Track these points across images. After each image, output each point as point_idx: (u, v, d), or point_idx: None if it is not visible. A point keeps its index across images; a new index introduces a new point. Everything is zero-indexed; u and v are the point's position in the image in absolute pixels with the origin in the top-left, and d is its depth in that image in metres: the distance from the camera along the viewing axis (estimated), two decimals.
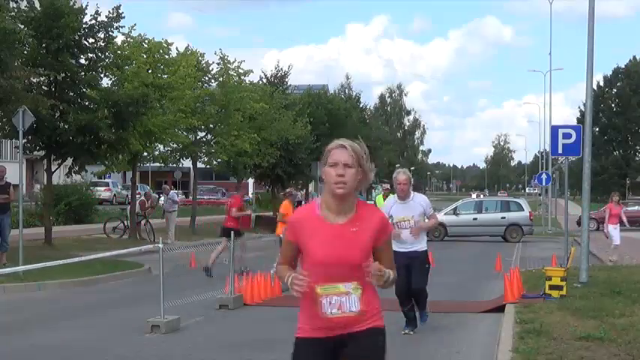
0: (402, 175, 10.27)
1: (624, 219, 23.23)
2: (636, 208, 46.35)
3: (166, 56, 31.22)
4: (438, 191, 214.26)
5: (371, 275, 3.98)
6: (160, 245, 11.09)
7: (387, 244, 4.19)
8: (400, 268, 9.29)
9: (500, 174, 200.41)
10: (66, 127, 22.91)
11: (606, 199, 66.92)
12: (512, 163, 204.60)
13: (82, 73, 23.38)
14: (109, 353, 9.36)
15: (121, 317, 12.01)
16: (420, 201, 10.37)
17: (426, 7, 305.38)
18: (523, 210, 33.97)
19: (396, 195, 10.46)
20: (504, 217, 33.37)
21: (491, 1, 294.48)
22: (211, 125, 35.88)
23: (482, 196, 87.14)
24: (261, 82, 45.29)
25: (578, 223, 31.07)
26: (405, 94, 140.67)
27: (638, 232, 40.07)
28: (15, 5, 22.74)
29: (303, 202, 63.31)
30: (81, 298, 14.60)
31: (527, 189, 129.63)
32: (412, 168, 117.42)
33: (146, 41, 30.53)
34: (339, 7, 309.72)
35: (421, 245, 10.31)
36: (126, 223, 29.35)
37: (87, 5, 23.94)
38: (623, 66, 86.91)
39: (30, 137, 22.39)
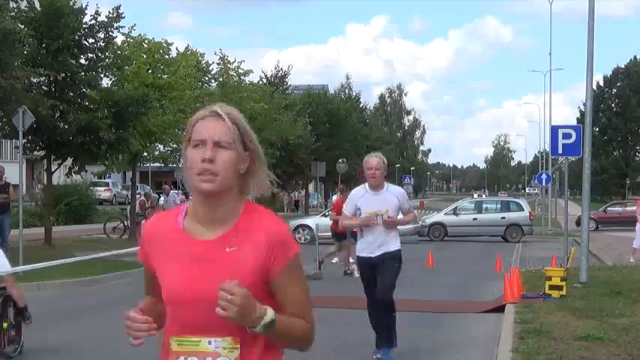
0: (373, 158, 8.46)
1: None
2: (634, 208, 46.27)
3: (166, 56, 31.23)
4: (438, 191, 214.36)
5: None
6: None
7: (289, 274, 2.50)
8: (369, 277, 8.56)
9: (500, 174, 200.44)
10: (66, 127, 22.91)
11: (606, 199, 67.00)
12: (512, 163, 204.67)
13: (82, 73, 23.38)
14: (109, 353, 9.36)
15: (121, 317, 11.96)
16: (395, 193, 8.59)
17: (425, 7, 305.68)
18: (523, 210, 33.96)
19: (366, 184, 8.58)
20: (504, 217, 33.37)
21: (491, 1, 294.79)
22: None
23: (483, 196, 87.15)
24: (261, 82, 45.32)
25: (577, 223, 31.10)
26: (405, 94, 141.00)
27: None
28: (15, 5, 22.74)
29: (299, 203, 63.40)
30: (81, 298, 14.60)
31: (527, 189, 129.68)
32: (412, 168, 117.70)
33: (146, 41, 30.54)
34: (338, 7, 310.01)
35: (394, 245, 8.50)
36: (126, 223, 29.36)
37: (87, 5, 23.94)
38: (623, 66, 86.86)
39: (30, 137, 22.40)
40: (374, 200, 8.40)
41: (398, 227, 8.68)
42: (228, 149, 2.53)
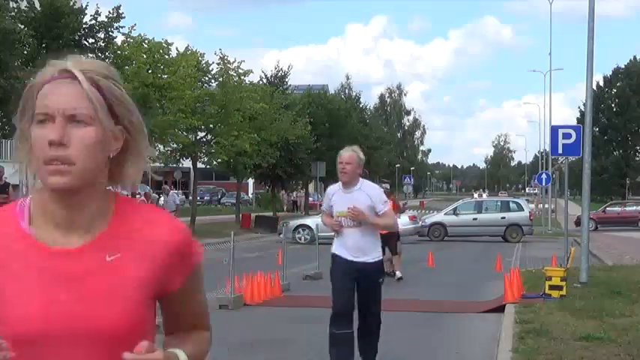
0: (344, 151, 7.57)
1: None
2: (634, 208, 46.34)
3: (166, 56, 31.26)
4: (438, 191, 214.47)
5: None
6: None
7: (190, 286, 1.89)
8: (344, 281, 7.44)
9: (500, 174, 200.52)
10: None
11: (606, 200, 67.07)
12: (512, 164, 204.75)
13: None
14: None
15: None
16: (368, 191, 7.51)
17: (425, 7, 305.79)
18: (523, 210, 33.98)
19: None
20: (504, 217, 33.37)
21: (491, 1, 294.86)
22: (211, 125, 35.91)
23: (483, 195, 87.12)
24: (261, 82, 45.32)
25: (576, 223, 31.10)
26: (405, 94, 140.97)
27: (638, 232, 40.11)
28: (15, 5, 22.77)
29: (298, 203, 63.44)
30: None
31: (527, 189, 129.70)
32: (412, 168, 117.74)
33: (146, 41, 30.57)
34: (338, 7, 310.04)
35: (374, 254, 7.52)
36: None
37: (87, 5, 23.98)
38: (623, 66, 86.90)
39: None
40: (344, 199, 7.47)
41: (377, 233, 7.72)
42: (89, 125, 1.76)
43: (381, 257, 7.66)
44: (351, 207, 7.30)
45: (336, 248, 7.58)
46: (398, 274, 17.17)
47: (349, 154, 7.45)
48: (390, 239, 16.37)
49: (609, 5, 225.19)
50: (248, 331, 10.92)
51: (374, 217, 7.40)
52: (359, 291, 7.45)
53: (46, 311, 1.71)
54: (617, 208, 46.09)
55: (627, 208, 45.92)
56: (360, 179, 7.51)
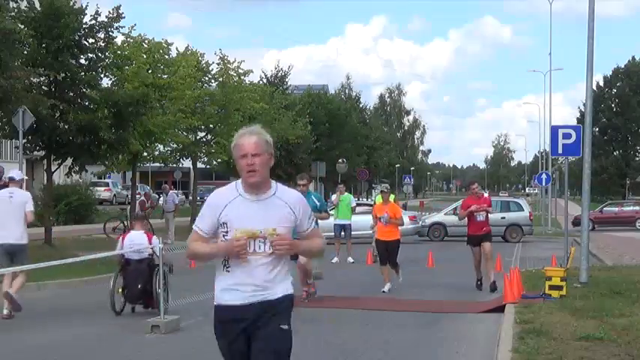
0: (246, 137, 4.71)
1: None
2: (631, 208, 46.34)
3: (166, 56, 31.26)
4: (438, 191, 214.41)
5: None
6: (160, 245, 11.10)
7: None
8: (234, 340, 4.77)
9: (500, 174, 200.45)
10: (66, 127, 22.91)
11: (606, 200, 67.04)
12: (512, 164, 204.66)
13: (82, 73, 23.38)
14: (109, 353, 9.36)
15: (121, 317, 12.00)
16: (288, 199, 4.81)
17: (425, 7, 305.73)
18: (523, 210, 33.98)
19: (238, 182, 4.82)
20: (504, 217, 33.37)
21: (491, 1, 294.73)
22: (211, 125, 35.92)
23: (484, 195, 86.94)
24: (261, 83, 45.33)
25: (574, 223, 31.14)
26: (405, 94, 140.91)
27: (638, 232, 40.11)
28: (15, 5, 22.74)
29: None
30: (81, 298, 14.60)
31: (527, 189, 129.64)
32: (412, 168, 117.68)
33: (146, 41, 30.57)
34: (338, 7, 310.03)
35: (283, 288, 4.83)
36: (126, 223, 29.34)
37: (87, 5, 23.95)
38: (623, 66, 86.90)
39: (30, 137, 22.40)
40: (251, 210, 4.69)
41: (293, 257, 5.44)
42: None
43: (292, 292, 4.85)
44: (277, 239, 4.64)
45: (220, 297, 4.80)
46: (388, 286, 15.52)
47: (254, 140, 4.65)
48: (393, 250, 15.62)
49: (609, 5, 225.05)
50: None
51: (304, 243, 4.90)
52: (254, 342, 4.76)
53: None
54: (614, 208, 46.09)
55: (624, 209, 45.93)
56: (272, 181, 4.78)
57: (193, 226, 4.88)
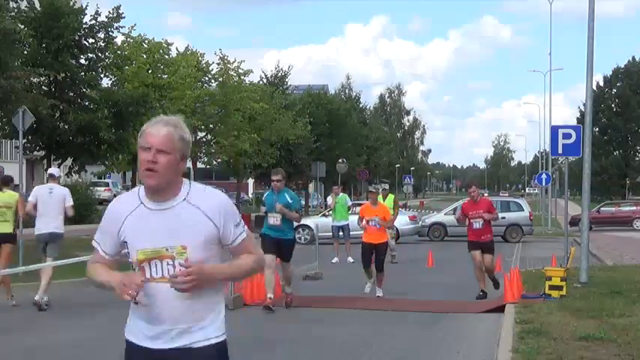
0: (154, 126, 3.73)
1: None
2: (628, 208, 46.35)
3: (166, 56, 31.28)
4: (438, 191, 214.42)
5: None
6: None
7: None
8: None
9: (500, 174, 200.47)
10: (66, 127, 22.94)
11: (606, 200, 67.08)
12: (512, 164, 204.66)
13: (82, 73, 23.42)
14: (109, 353, 9.36)
15: (122, 317, 11.98)
16: (204, 205, 3.56)
17: (425, 7, 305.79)
18: (523, 210, 33.97)
19: (141, 187, 3.76)
20: (504, 217, 33.34)
21: (491, 1, 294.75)
22: (211, 125, 35.92)
23: (485, 195, 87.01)
24: (261, 83, 45.33)
25: (571, 223, 31.07)
26: (405, 94, 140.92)
27: (638, 232, 40.10)
28: (15, 5, 22.77)
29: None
30: (81, 298, 14.59)
31: (527, 189, 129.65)
32: (412, 168, 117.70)
33: (146, 41, 30.59)
34: (338, 7, 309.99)
35: (214, 329, 3.79)
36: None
37: (87, 5, 23.99)
38: (623, 66, 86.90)
39: (30, 137, 22.41)
40: (154, 223, 3.54)
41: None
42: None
43: (224, 334, 3.83)
44: (183, 251, 3.45)
45: (128, 327, 3.70)
46: (369, 286, 14.71)
47: (165, 133, 3.58)
48: (381, 254, 14.57)
49: (609, 5, 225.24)
50: (248, 331, 10.91)
51: (224, 267, 3.57)
52: None
53: None
54: (611, 209, 46.08)
55: (621, 209, 45.95)
56: (185, 181, 3.61)
57: (93, 242, 3.65)
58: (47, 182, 13.83)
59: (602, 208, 46.01)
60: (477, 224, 14.23)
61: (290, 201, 12.51)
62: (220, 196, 3.61)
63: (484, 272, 14.42)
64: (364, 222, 14.52)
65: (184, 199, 3.53)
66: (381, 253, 14.61)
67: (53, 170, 14.18)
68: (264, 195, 13.28)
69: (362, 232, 14.74)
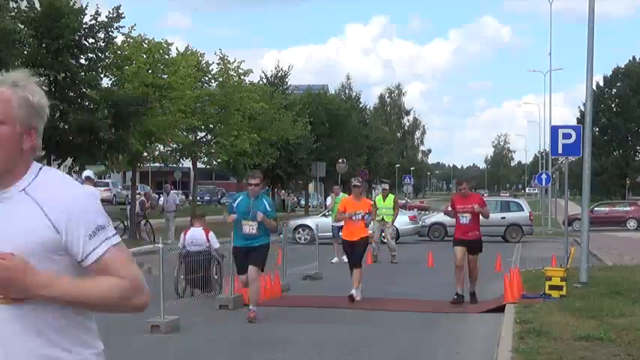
0: None
1: None
2: (622, 208, 46.38)
3: (166, 56, 31.27)
4: (438, 191, 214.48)
5: None
6: (160, 245, 11.11)
7: None
8: None
9: (500, 174, 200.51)
10: (66, 127, 22.94)
11: (606, 200, 67.12)
12: (512, 164, 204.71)
13: (82, 73, 23.41)
14: (109, 353, 9.37)
15: (121, 317, 12.00)
16: (47, 201, 2.42)
17: (425, 7, 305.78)
18: (523, 210, 33.97)
19: None
20: (504, 218, 33.37)
21: (491, 1, 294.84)
22: (211, 125, 35.93)
23: (485, 195, 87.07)
24: (261, 82, 45.34)
25: (564, 222, 31.07)
26: (405, 94, 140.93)
27: (638, 232, 40.10)
28: (15, 5, 22.77)
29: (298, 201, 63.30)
30: None
31: (527, 189, 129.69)
32: (412, 168, 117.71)
33: (146, 41, 30.58)
34: (338, 7, 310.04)
35: None
36: (126, 224, 29.34)
37: (87, 5, 23.99)
38: (623, 66, 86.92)
39: None
40: None
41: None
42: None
43: None
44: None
45: None
46: (357, 290, 13.67)
47: None
48: (360, 249, 13.81)
49: (609, 5, 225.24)
50: (248, 331, 10.91)
51: (78, 282, 2.44)
52: None
53: None
54: (605, 209, 46.16)
55: (615, 209, 46.01)
56: (35, 166, 2.71)
57: None
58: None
59: (595, 208, 46.06)
60: (464, 219, 13.23)
61: (269, 209, 11.46)
62: (73, 190, 2.50)
63: (463, 273, 13.32)
64: (344, 215, 13.67)
65: (23, 189, 2.49)
66: (361, 247, 13.80)
67: (89, 173, 15.07)
68: (235, 199, 11.90)
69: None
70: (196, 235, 13.75)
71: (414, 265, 21.03)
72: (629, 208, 45.26)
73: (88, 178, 14.91)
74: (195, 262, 13.47)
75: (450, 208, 13.74)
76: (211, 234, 13.77)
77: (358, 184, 14.17)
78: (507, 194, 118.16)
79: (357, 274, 13.57)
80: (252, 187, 11.43)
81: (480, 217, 13.33)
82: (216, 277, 13.71)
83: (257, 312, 11.37)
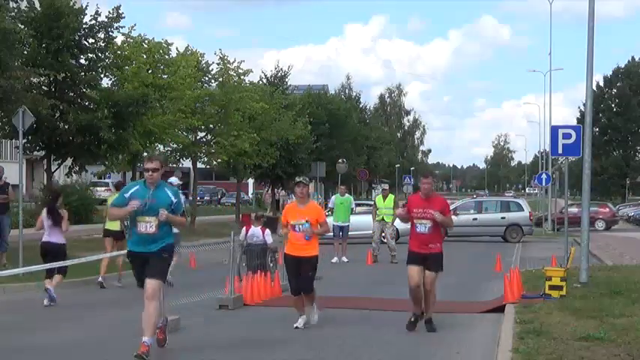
0: None
1: None
2: (593, 209, 46.56)
3: (166, 56, 31.26)
4: (438, 191, 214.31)
5: None
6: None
7: None
8: None
9: (500, 174, 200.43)
10: (66, 127, 22.95)
11: (606, 200, 67.07)
12: (512, 164, 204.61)
13: (82, 73, 23.43)
14: (109, 353, 9.36)
15: (121, 317, 12.01)
16: None
17: (424, 7, 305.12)
18: (523, 210, 34.00)
19: None
20: (504, 218, 33.39)
21: (491, 1, 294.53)
22: (211, 125, 35.91)
23: (485, 195, 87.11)
24: (261, 82, 45.31)
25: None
26: (405, 95, 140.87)
27: (638, 233, 40.11)
28: (15, 5, 22.77)
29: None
30: (81, 298, 14.60)
31: (527, 189, 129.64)
32: (412, 168, 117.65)
33: (146, 41, 30.58)
34: (337, 7, 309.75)
35: None
36: (126, 223, 29.29)
37: (87, 5, 24.00)
38: (623, 66, 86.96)
39: (30, 137, 22.41)
40: None
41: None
42: None
43: None
44: None
45: None
46: (302, 320, 11.12)
47: None
48: (308, 271, 10.99)
49: (609, 5, 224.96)
50: (248, 331, 10.91)
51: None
52: None
53: None
54: (574, 209, 46.30)
55: (622, 209, 46.26)
56: None
57: None
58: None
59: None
60: (423, 227, 10.51)
61: (173, 200, 8.84)
62: None
63: (421, 289, 10.71)
64: (287, 228, 10.86)
65: None
66: (308, 271, 10.94)
67: (172, 179, 15.79)
68: (128, 189, 9.00)
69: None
70: (256, 233, 16.62)
71: None
72: (597, 209, 45.80)
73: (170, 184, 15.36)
74: (254, 252, 16.46)
75: (404, 211, 10.90)
76: (267, 231, 16.61)
77: (303, 181, 11.00)
78: (512, 194, 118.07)
79: (309, 298, 11.02)
80: (150, 174, 8.76)
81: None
82: (270, 264, 16.48)
83: (151, 345, 8.76)
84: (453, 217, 33.93)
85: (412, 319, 10.82)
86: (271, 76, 49.93)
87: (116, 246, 15.96)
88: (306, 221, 10.67)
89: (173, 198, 8.83)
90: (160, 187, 8.83)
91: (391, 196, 23.02)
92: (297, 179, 11.13)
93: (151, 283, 8.73)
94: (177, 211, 8.91)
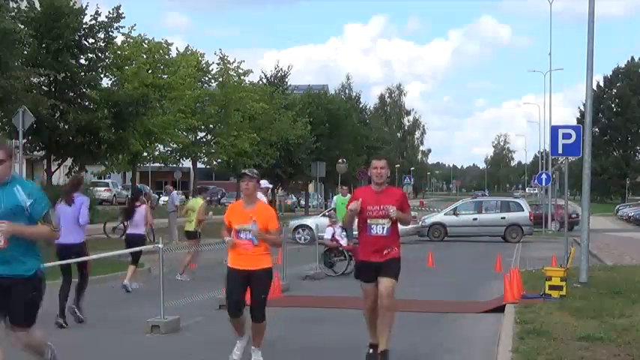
0: None
1: None
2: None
3: (166, 56, 31.32)
4: (438, 191, 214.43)
5: None
6: (160, 245, 11.10)
7: None
8: None
9: (500, 174, 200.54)
10: (66, 127, 22.98)
11: (606, 200, 66.98)
12: (512, 164, 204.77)
13: (82, 73, 23.45)
14: (109, 353, 9.36)
15: (121, 317, 12.01)
16: None
17: (424, 7, 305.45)
18: (523, 210, 34.00)
19: None
20: (504, 218, 33.39)
21: (491, 1, 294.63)
22: (211, 125, 35.96)
23: (486, 195, 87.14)
24: (261, 82, 45.34)
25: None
26: (405, 95, 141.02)
27: (638, 233, 40.12)
28: (15, 5, 22.80)
29: (298, 202, 63.23)
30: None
31: (527, 189, 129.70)
32: (412, 168, 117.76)
33: (146, 41, 30.62)
34: (337, 7, 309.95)
35: None
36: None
37: (87, 5, 24.02)
38: (623, 66, 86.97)
39: (30, 137, 22.42)
40: None
41: None
42: None
43: None
44: None
45: None
46: (241, 343, 8.64)
47: None
48: (259, 288, 8.23)
49: (609, 5, 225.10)
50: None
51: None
52: None
53: None
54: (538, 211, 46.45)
55: (539, 211, 46.06)
56: None
57: None
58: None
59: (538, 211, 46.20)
60: (380, 229, 8.04)
61: (27, 201, 6.10)
62: None
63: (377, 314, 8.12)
64: (230, 236, 8.31)
65: None
66: (261, 287, 8.34)
67: (264, 182, 16.00)
68: None
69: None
70: None
71: (413, 265, 21.00)
72: (552, 210, 45.75)
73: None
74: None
75: (351, 209, 8.14)
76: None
77: (250, 174, 8.20)
78: (519, 193, 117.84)
79: (258, 331, 8.51)
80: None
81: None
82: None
83: None
84: (454, 217, 34.48)
85: (370, 352, 8.30)
86: (271, 76, 49.97)
87: None
88: (254, 222, 8.11)
89: (25, 197, 6.10)
90: (9, 185, 6.10)
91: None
92: (244, 171, 8.34)
93: (17, 330, 6.39)
94: (37, 215, 6.21)
